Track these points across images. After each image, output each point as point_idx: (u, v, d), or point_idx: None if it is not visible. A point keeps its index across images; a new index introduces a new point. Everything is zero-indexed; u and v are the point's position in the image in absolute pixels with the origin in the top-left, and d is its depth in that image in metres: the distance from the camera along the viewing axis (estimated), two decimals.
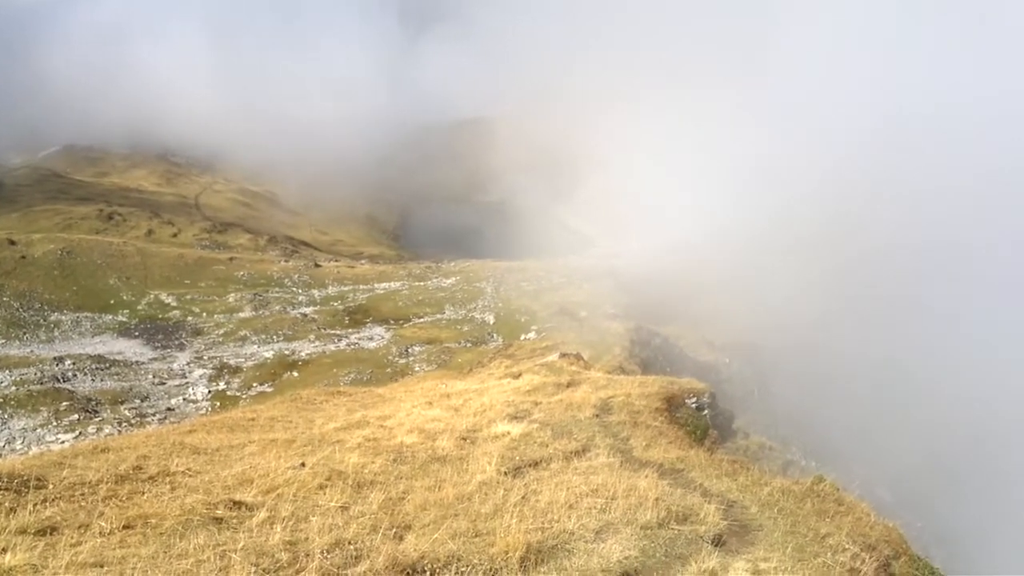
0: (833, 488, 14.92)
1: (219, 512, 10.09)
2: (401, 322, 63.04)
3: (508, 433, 16.67)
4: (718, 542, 10.73)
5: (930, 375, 68.35)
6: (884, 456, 53.28)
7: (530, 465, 13.93)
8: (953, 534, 49.48)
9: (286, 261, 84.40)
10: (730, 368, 52.34)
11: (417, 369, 48.81)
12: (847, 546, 11.76)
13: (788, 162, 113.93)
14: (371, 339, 57.76)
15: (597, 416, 19.74)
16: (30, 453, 26.85)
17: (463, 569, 8.15)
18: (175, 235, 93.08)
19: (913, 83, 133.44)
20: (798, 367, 59.97)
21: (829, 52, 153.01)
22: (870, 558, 11.70)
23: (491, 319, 62.89)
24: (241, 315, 62.68)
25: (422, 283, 77.74)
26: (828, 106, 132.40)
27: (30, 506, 9.68)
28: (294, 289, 72.70)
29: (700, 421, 22.72)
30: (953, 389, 67.84)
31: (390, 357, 52.34)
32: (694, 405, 23.76)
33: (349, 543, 9.05)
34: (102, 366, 47.93)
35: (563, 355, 34.94)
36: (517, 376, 29.55)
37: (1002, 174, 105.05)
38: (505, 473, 13.10)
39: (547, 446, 15.51)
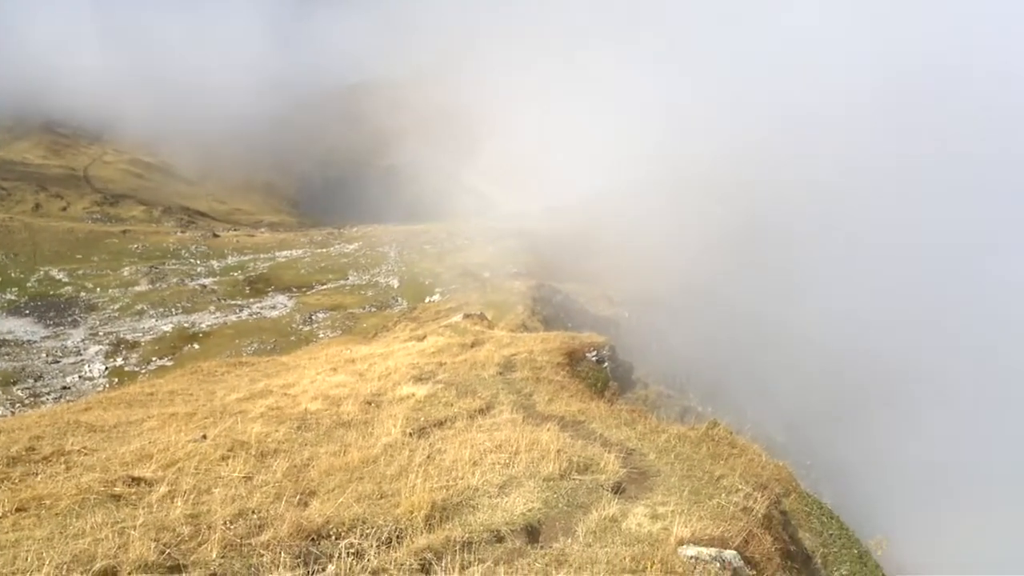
0: (727, 432, 15.42)
1: (117, 489, 9.76)
2: (304, 289, 62.01)
3: (413, 395, 16.63)
4: (618, 490, 10.95)
5: (819, 325, 71.11)
6: (776, 399, 55.34)
7: (435, 425, 13.94)
8: (840, 470, 51.81)
9: (183, 232, 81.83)
10: (629, 321, 53.30)
11: (322, 336, 48.21)
12: (740, 487, 12.17)
13: (686, 124, 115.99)
14: (274, 308, 56.68)
15: (501, 374, 19.87)
16: None
17: (368, 531, 8.10)
18: (64, 209, 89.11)
19: (810, 51, 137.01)
20: (695, 319, 61.57)
21: (725, 13, 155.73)
22: (762, 497, 12.14)
23: (395, 283, 62.44)
24: (137, 289, 60.58)
25: (324, 250, 76.51)
26: (728, 74, 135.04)
27: None
28: (192, 260, 70.59)
29: (600, 374, 23.11)
30: (840, 338, 70.78)
31: (294, 325, 51.51)
32: (594, 358, 24.13)
33: (253, 512, 8.88)
34: None
35: (467, 316, 35.01)
36: (422, 338, 29.49)
37: (881, 136, 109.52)
38: (410, 434, 13.08)
39: (452, 405, 15.54)
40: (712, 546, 9.09)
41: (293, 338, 48.29)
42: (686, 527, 9.40)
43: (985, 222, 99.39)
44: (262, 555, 7.56)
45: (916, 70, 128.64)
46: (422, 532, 8.29)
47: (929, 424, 66.09)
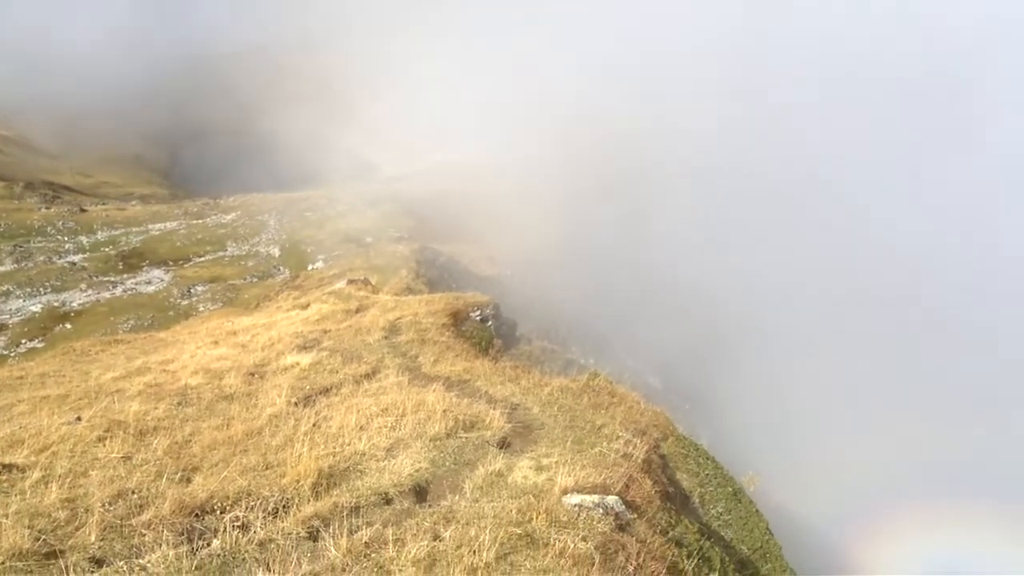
0: (607, 382, 15.79)
1: None
2: (181, 263, 59.76)
3: (298, 363, 16.34)
4: (504, 445, 11.09)
5: (693, 276, 73.29)
6: (653, 347, 56.90)
7: (321, 393, 13.76)
8: (717, 412, 53.91)
9: (47, 208, 77.28)
10: (512, 280, 53.67)
11: (202, 309, 46.67)
12: (621, 434, 12.51)
13: (561, 86, 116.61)
14: (149, 283, 54.44)
15: (386, 338, 19.74)
16: None
17: (254, 503, 7.95)
18: None
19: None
20: (575, 274, 62.50)
21: None
22: (641, 443, 12.52)
23: (276, 252, 60.93)
24: (1, 269, 57.13)
25: (200, 221, 73.76)
26: (600, 36, 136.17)
27: None
28: (59, 237, 66.89)
29: (484, 333, 23.25)
30: (714, 288, 73.15)
31: (172, 300, 49.67)
32: (478, 318, 24.25)
33: (133, 492, 8.58)
34: None
35: (351, 282, 34.53)
36: (306, 306, 28.96)
37: (728, 81, 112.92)
38: (295, 403, 12.87)
39: (337, 372, 15.36)
40: (595, 493, 9.33)
41: (172, 313, 46.57)
42: (570, 477, 9.61)
43: (833, 158, 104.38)
44: (144, 535, 7.34)
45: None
46: (309, 500, 8.20)
47: (799, 365, 69.39)
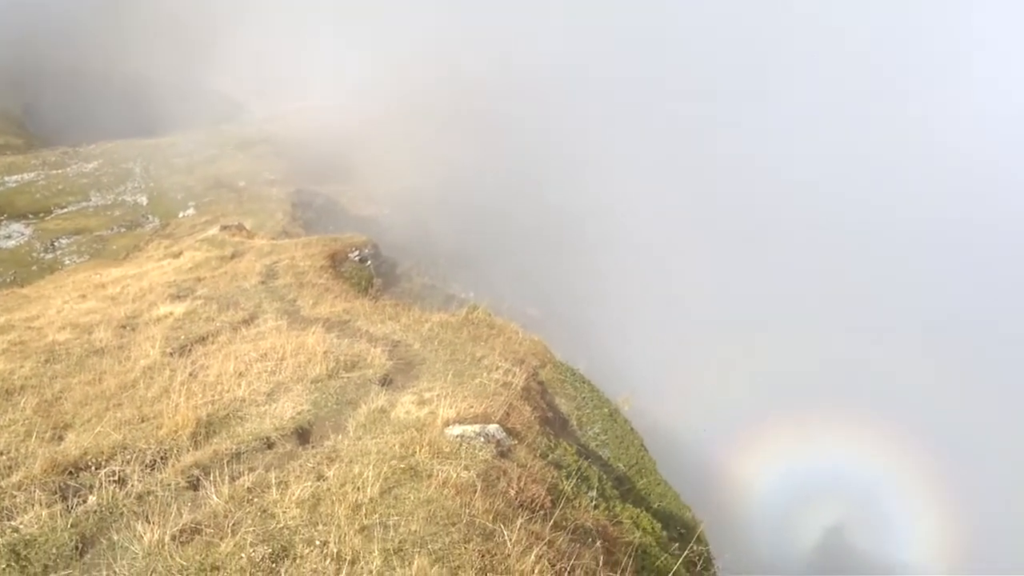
0: (486, 314, 15.89)
1: None
2: (42, 215, 56.29)
3: (171, 313, 15.73)
4: (386, 382, 11.06)
5: (567, 205, 74.00)
6: (532, 278, 57.58)
7: (197, 341, 13.32)
8: (594, 337, 55.17)
9: None
10: (391, 218, 53.04)
11: (67, 263, 44.29)
12: (500, 364, 12.66)
13: (439, 29, 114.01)
14: (9, 237, 51.15)
15: (263, 283, 19.24)
16: None
17: (130, 457, 7.66)
18: None
19: None
20: (453, 211, 62.23)
21: None
22: (520, 371, 12.71)
23: (144, 200, 58.11)
24: None
25: (60, 171, 69.34)
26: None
27: None
28: None
29: (364, 272, 22.97)
30: (588, 215, 74.13)
31: (34, 254, 46.89)
32: (357, 258, 23.92)
33: (1, 454, 8.16)
34: None
35: (224, 227, 33.34)
36: (178, 255, 27.84)
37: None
38: (171, 354, 12.42)
39: (213, 320, 14.89)
40: (476, 423, 9.45)
41: (35, 268, 44.00)
42: (451, 409, 9.68)
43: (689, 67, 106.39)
44: (15, 496, 6.99)
45: None
46: (188, 450, 7.97)
47: (676, 285, 71.21)
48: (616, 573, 6.46)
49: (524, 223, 67.42)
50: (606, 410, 14.33)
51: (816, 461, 54.68)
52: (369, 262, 24.25)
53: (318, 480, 7.15)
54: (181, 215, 51.09)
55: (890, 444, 54.90)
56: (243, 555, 5.70)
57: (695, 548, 10.73)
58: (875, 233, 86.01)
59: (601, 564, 6.68)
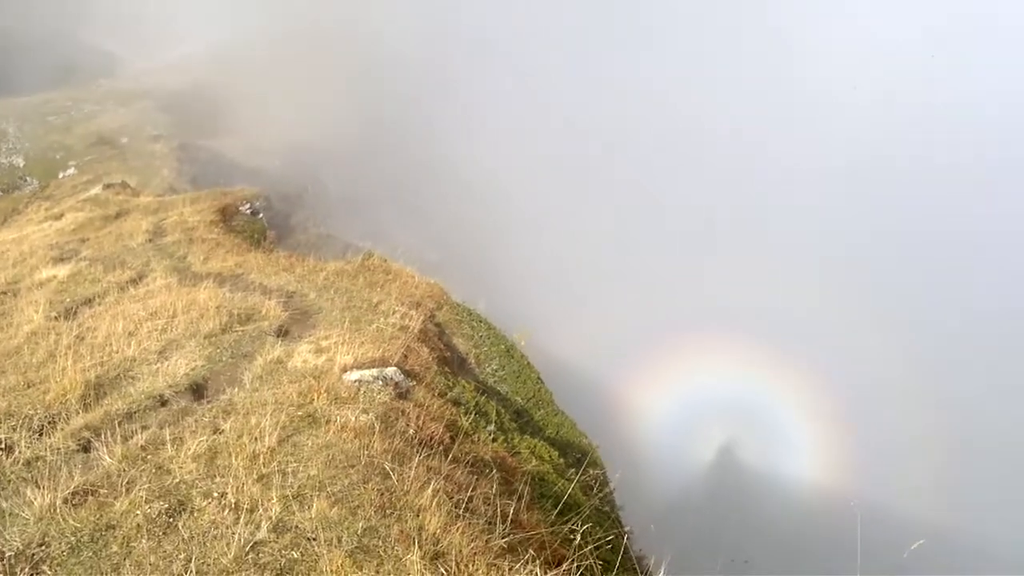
0: (381, 260, 15.77)
1: None
2: None
3: (55, 276, 15.00)
4: (282, 333, 10.88)
5: (460, 148, 73.21)
6: (429, 222, 57.08)
7: (83, 304, 12.76)
8: (492, 276, 55.27)
9: None
10: (282, 170, 51.35)
11: None
12: (397, 308, 12.62)
13: None
14: None
15: (151, 241, 18.52)
16: None
17: (16, 424, 7.34)
18: None
19: None
20: (347, 159, 60.85)
21: None
22: (417, 314, 12.71)
23: (20, 162, 54.66)
24: None
25: None
26: None
27: None
28: None
29: (256, 225, 22.38)
30: (479, 156, 73.45)
31: None
32: (248, 211, 23.26)
33: None
34: None
35: (108, 186, 31.84)
36: (59, 217, 26.44)
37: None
38: (56, 317, 11.86)
39: (99, 281, 14.26)
40: (374, 367, 9.44)
41: None
42: (349, 355, 9.63)
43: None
44: None
45: None
46: (78, 413, 7.68)
47: (571, 219, 71.29)
48: (513, 500, 6.61)
49: (420, 169, 66.57)
50: (503, 347, 14.51)
51: (711, 383, 56.57)
52: (261, 214, 23.62)
53: (214, 434, 7.03)
54: (61, 175, 48.40)
55: (781, 367, 57.26)
56: (139, 513, 5.58)
57: (591, 472, 11.05)
58: (757, 162, 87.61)
59: (499, 493, 6.82)
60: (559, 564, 5.54)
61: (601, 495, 11.28)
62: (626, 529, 11.07)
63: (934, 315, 66.16)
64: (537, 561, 5.11)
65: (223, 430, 7.09)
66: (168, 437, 6.83)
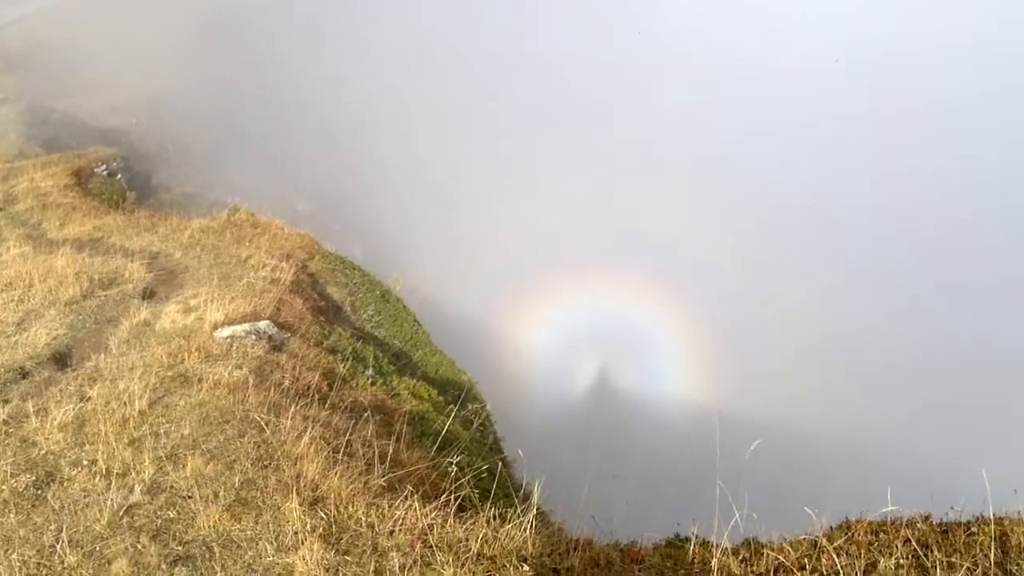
0: (248, 215, 15.21)
1: None
2: None
3: None
4: (148, 295, 10.40)
5: (326, 92, 70.41)
6: (299, 173, 54.99)
7: None
8: (368, 222, 54.06)
9: None
10: (140, 128, 48.33)
11: None
12: (267, 261, 12.25)
13: None
14: None
15: (1, 210, 17.21)
16: None
17: None
18: None
19: None
20: (209, 115, 57.69)
21: None
22: (288, 266, 12.38)
23: None
24: None
25: None
26: None
27: None
28: None
29: (114, 187, 21.08)
30: (362, 108, 70.70)
31: None
32: (105, 173, 21.88)
33: None
34: None
35: None
36: None
37: None
38: None
39: None
40: (246, 322, 9.16)
41: None
42: (219, 312, 9.31)
43: None
44: None
45: None
46: None
47: (441, 165, 69.92)
48: (392, 441, 6.61)
49: (289, 119, 63.84)
50: (378, 292, 14.36)
51: (586, 313, 57.52)
52: (120, 176, 22.29)
53: (81, 401, 6.71)
54: None
55: (656, 292, 58.54)
56: (4, 487, 5.30)
57: (470, 407, 11.17)
58: (627, 88, 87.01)
59: (378, 435, 6.80)
60: (439, 497, 5.61)
61: (481, 428, 11.45)
62: (503, 457, 11.29)
63: (805, 236, 68.02)
64: (415, 495, 5.14)
65: (90, 397, 6.78)
66: (32, 409, 6.47)
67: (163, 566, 4.52)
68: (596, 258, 61.30)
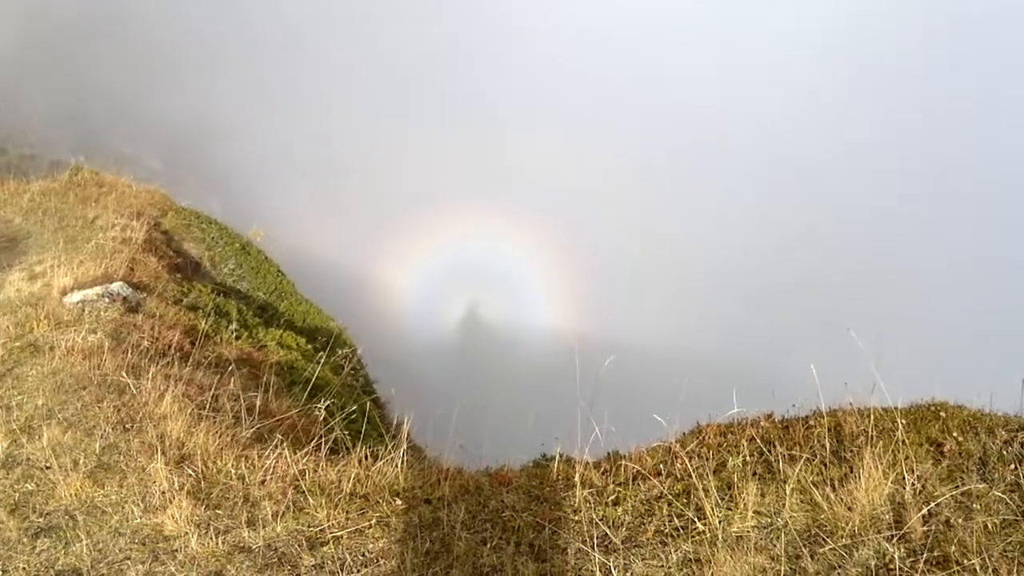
0: (92, 174, 14.18)
1: None
2: None
3: None
4: None
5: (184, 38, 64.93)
6: (152, 128, 51.23)
7: None
8: (225, 177, 51.14)
9: None
10: None
11: None
12: (116, 221, 11.51)
13: None
14: None
15: None
16: None
17: None
18: None
19: None
20: (47, 69, 52.61)
21: None
22: (139, 224, 11.67)
23: None
24: None
25: None
26: None
27: None
28: None
29: None
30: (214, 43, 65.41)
31: None
32: None
33: None
34: None
35: None
36: None
37: None
38: None
39: None
40: (97, 285, 8.61)
41: None
42: (68, 277, 8.70)
43: None
44: None
45: None
46: None
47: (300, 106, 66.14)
48: (259, 392, 6.42)
49: (133, 71, 58.78)
50: (238, 245, 13.80)
51: (453, 252, 57.28)
52: None
53: None
54: None
55: (520, 226, 58.56)
56: None
57: (340, 352, 11.00)
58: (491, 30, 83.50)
59: (246, 388, 6.60)
60: (311, 443, 5.51)
61: (352, 372, 11.33)
62: (376, 398, 11.25)
63: (656, 160, 68.32)
64: (285, 443, 5.04)
65: None
66: None
67: (24, 540, 4.26)
68: (464, 198, 60.95)
